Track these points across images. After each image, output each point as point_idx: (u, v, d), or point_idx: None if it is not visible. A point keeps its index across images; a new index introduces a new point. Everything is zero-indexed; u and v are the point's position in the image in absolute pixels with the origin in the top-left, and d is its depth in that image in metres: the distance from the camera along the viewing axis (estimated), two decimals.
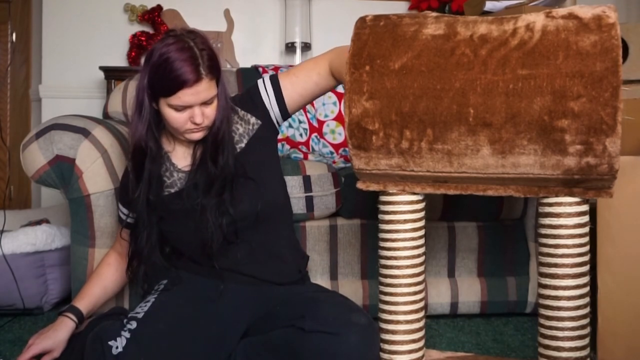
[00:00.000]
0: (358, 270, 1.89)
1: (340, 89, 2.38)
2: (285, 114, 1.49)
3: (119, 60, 3.08)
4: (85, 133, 1.69)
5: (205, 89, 1.31)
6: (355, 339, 1.19)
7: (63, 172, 1.66)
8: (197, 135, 1.38)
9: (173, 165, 1.44)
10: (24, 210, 2.66)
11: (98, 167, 1.69)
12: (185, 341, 1.28)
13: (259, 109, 1.47)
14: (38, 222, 2.28)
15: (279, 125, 1.51)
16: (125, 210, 1.50)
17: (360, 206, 1.84)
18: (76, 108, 2.62)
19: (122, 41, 3.08)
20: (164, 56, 1.29)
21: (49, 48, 3.07)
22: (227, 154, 1.39)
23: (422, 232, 1.25)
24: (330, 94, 2.37)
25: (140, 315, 1.30)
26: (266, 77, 1.49)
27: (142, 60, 1.38)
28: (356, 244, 1.88)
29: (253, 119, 1.47)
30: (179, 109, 1.32)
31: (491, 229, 1.93)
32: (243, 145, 1.45)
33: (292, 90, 1.46)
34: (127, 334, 1.25)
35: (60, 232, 2.06)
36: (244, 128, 1.46)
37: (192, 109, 1.32)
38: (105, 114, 2.27)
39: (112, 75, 2.88)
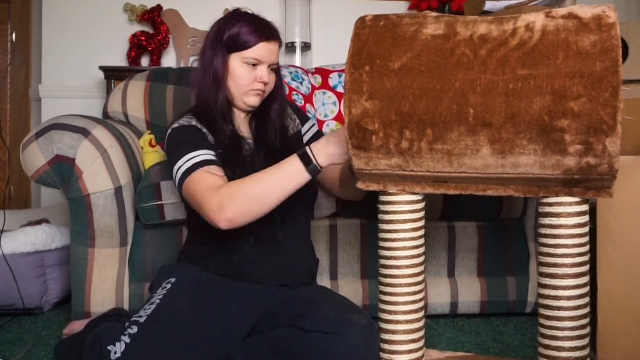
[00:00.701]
0: (358, 270, 1.89)
1: (340, 89, 2.38)
2: None
3: (119, 60, 3.08)
4: (85, 133, 1.69)
5: (276, 51, 1.45)
6: (356, 340, 1.19)
7: (63, 172, 1.66)
8: (255, 100, 1.46)
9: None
10: (24, 210, 2.66)
11: (98, 167, 1.69)
12: (187, 346, 1.27)
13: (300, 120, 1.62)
14: (38, 222, 2.28)
15: None
16: (206, 151, 1.37)
17: (360, 206, 1.84)
18: (76, 108, 2.62)
19: (122, 41, 3.08)
20: (244, 17, 1.45)
21: (49, 48, 3.08)
22: (280, 127, 1.50)
23: (422, 232, 1.25)
24: (330, 93, 2.37)
25: (142, 320, 1.28)
26: (316, 126, 1.65)
27: (214, 24, 1.50)
28: (356, 244, 1.88)
29: (298, 121, 1.60)
30: (251, 62, 1.41)
31: (491, 229, 1.93)
32: (290, 134, 1.55)
33: None
34: (127, 339, 1.24)
35: (60, 232, 2.06)
36: (291, 125, 1.58)
37: (262, 67, 1.42)
38: (105, 114, 2.27)
39: (112, 75, 2.88)
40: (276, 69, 1.48)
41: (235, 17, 1.45)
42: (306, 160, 1.25)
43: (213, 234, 1.33)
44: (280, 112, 1.52)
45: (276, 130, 1.50)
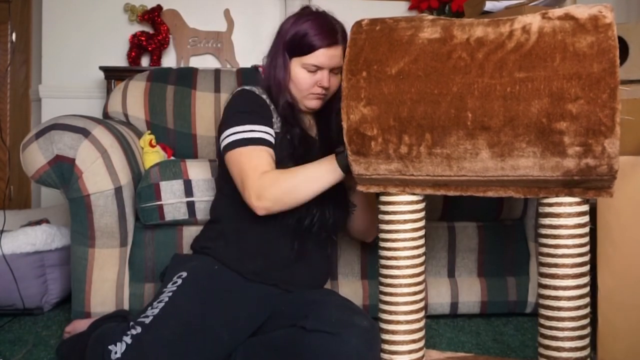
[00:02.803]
0: (358, 270, 1.89)
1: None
2: None
3: (119, 60, 3.08)
4: (85, 133, 1.69)
5: (338, 55, 1.41)
6: (356, 341, 1.19)
7: (63, 172, 1.66)
8: (316, 103, 1.46)
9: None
10: (24, 210, 2.66)
11: (98, 167, 1.69)
12: (190, 348, 1.25)
13: None
14: (38, 222, 2.28)
15: None
16: (264, 128, 1.40)
17: None
18: (76, 108, 2.62)
19: (122, 41, 3.08)
20: (306, 19, 1.41)
21: (49, 48, 3.08)
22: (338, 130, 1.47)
23: (422, 232, 1.25)
24: None
25: (147, 320, 1.27)
26: None
27: (281, 24, 1.49)
28: (356, 244, 1.88)
29: None
30: (311, 69, 1.40)
31: (491, 229, 1.93)
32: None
33: None
34: (128, 339, 1.23)
35: (60, 232, 2.06)
36: None
37: (322, 72, 1.41)
38: (105, 114, 2.27)
39: (112, 75, 2.89)
40: (339, 72, 1.44)
41: (299, 18, 1.43)
42: (341, 159, 1.28)
43: (243, 232, 1.41)
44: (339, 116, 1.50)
45: (339, 130, 1.47)
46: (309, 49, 1.39)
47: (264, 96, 1.45)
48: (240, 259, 1.40)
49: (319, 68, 1.41)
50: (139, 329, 1.25)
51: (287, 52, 1.42)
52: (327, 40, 1.39)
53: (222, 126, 1.41)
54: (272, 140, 1.39)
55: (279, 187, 1.30)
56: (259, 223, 1.36)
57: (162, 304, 1.31)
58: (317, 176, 1.30)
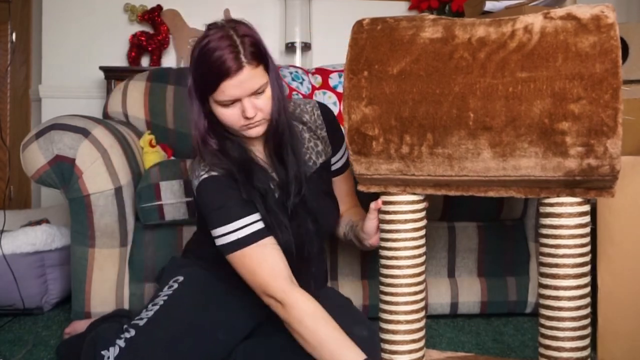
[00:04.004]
0: (358, 270, 1.89)
1: (340, 89, 2.39)
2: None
3: (119, 60, 3.08)
4: (85, 133, 1.69)
5: (249, 77, 1.21)
6: None
7: (63, 172, 1.66)
8: (256, 131, 1.28)
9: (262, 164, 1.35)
10: (24, 210, 2.66)
11: (98, 167, 1.69)
12: (184, 353, 1.24)
13: (335, 142, 1.46)
14: (38, 222, 2.28)
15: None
16: (254, 217, 1.26)
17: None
18: (76, 108, 2.62)
19: (122, 41, 3.08)
20: (203, 50, 1.21)
21: (49, 48, 3.07)
22: (292, 151, 1.32)
23: (423, 232, 1.25)
24: (330, 93, 2.38)
25: (142, 323, 1.26)
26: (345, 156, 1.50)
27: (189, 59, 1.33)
28: None
29: (321, 148, 1.44)
30: (226, 104, 1.23)
31: (491, 229, 1.93)
32: (323, 159, 1.43)
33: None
34: (122, 343, 1.21)
35: (60, 232, 2.06)
36: (322, 146, 1.44)
37: (242, 102, 1.23)
38: (105, 114, 2.27)
39: (112, 75, 2.88)
40: (263, 90, 1.25)
41: (194, 57, 1.25)
42: None
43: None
44: (285, 121, 1.32)
45: (289, 150, 1.34)
46: (214, 85, 1.20)
47: (215, 173, 1.29)
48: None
49: (234, 100, 1.22)
50: (132, 332, 1.24)
51: (199, 94, 1.26)
52: (229, 67, 1.19)
53: (208, 228, 1.29)
54: (263, 223, 1.26)
55: (307, 334, 1.18)
56: None
57: (156, 307, 1.30)
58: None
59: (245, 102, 1.23)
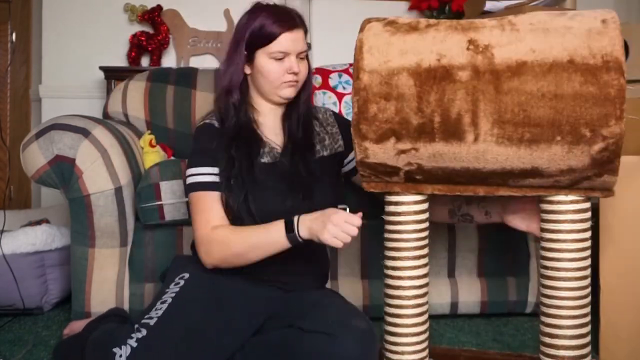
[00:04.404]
0: (358, 270, 1.89)
1: (340, 89, 2.38)
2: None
3: (119, 60, 3.07)
4: (85, 133, 1.69)
5: (301, 38, 1.40)
6: (352, 343, 1.19)
7: (63, 172, 1.66)
8: (290, 92, 1.42)
9: (264, 135, 1.44)
10: (24, 210, 2.66)
11: (98, 167, 1.69)
12: (194, 351, 1.25)
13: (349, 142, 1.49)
14: (38, 222, 2.28)
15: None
16: (213, 169, 1.38)
17: (361, 207, 1.84)
18: (76, 108, 2.61)
19: (122, 41, 3.07)
20: (260, 11, 1.40)
21: (49, 48, 3.07)
22: (302, 125, 1.45)
23: (426, 233, 1.26)
24: (330, 93, 2.37)
25: (152, 322, 1.27)
26: None
27: (235, 26, 1.48)
28: (356, 244, 1.88)
29: (341, 142, 1.53)
30: (278, 56, 1.38)
31: (491, 229, 1.93)
32: (327, 152, 1.49)
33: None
34: (133, 343, 1.23)
35: (60, 232, 2.06)
36: (327, 141, 1.51)
37: (289, 58, 1.38)
38: (105, 114, 2.27)
39: (112, 75, 2.88)
40: (305, 56, 1.44)
41: (254, 12, 1.41)
42: (288, 227, 1.26)
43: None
44: (307, 102, 1.49)
45: (300, 122, 1.46)
46: (271, 37, 1.37)
47: (217, 124, 1.43)
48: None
49: (285, 54, 1.38)
50: (144, 332, 1.25)
51: (249, 48, 1.39)
52: (287, 24, 1.38)
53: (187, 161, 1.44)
54: (219, 181, 1.36)
55: (227, 250, 1.31)
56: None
57: (165, 305, 1.31)
58: (265, 243, 1.28)
59: (293, 59, 1.39)
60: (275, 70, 1.38)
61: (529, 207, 1.30)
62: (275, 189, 1.37)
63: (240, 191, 1.35)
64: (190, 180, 1.38)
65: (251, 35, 1.38)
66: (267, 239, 1.28)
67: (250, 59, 1.40)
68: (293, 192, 1.37)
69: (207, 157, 1.38)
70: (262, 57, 1.39)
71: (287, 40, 1.37)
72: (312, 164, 1.42)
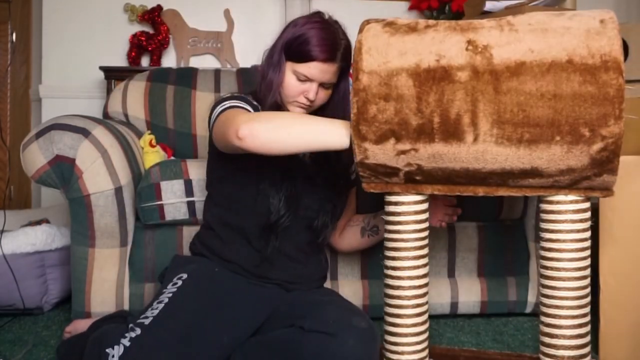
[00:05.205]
0: (358, 270, 1.89)
1: None
2: None
3: (119, 60, 3.08)
4: (85, 133, 1.69)
5: (332, 71, 1.38)
6: (353, 342, 1.19)
7: (63, 172, 1.66)
8: (300, 112, 1.41)
9: None
10: (24, 210, 2.66)
11: (98, 167, 1.69)
12: (189, 352, 1.24)
13: None
14: (38, 222, 2.28)
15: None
16: (248, 107, 1.37)
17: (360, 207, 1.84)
18: (76, 108, 2.62)
19: (122, 41, 3.08)
20: (311, 27, 1.37)
21: (49, 48, 3.08)
22: None
23: (426, 233, 1.26)
24: None
25: (147, 322, 1.26)
26: None
27: (289, 22, 1.46)
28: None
29: None
30: (301, 77, 1.37)
31: (491, 229, 1.93)
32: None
33: None
34: (126, 342, 1.21)
35: (60, 232, 2.06)
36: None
37: (312, 84, 1.37)
38: (105, 114, 2.27)
39: (112, 75, 2.89)
40: (329, 87, 1.41)
41: (306, 23, 1.38)
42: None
43: (235, 228, 1.41)
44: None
45: None
46: (304, 58, 1.35)
47: (250, 97, 1.43)
48: (241, 261, 1.42)
49: (309, 79, 1.37)
50: (138, 331, 1.24)
51: (284, 53, 1.38)
52: (325, 55, 1.35)
53: (210, 116, 1.38)
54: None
55: (274, 118, 1.21)
56: (248, 220, 1.40)
57: (161, 305, 1.30)
58: (320, 130, 1.17)
59: (314, 86, 1.38)
60: (293, 86, 1.38)
61: (432, 202, 1.36)
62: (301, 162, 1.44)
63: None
64: (219, 108, 1.32)
65: (290, 43, 1.37)
66: (326, 126, 1.18)
67: (280, 64, 1.40)
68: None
69: (242, 101, 1.36)
70: (289, 69, 1.38)
71: (316, 69, 1.36)
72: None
